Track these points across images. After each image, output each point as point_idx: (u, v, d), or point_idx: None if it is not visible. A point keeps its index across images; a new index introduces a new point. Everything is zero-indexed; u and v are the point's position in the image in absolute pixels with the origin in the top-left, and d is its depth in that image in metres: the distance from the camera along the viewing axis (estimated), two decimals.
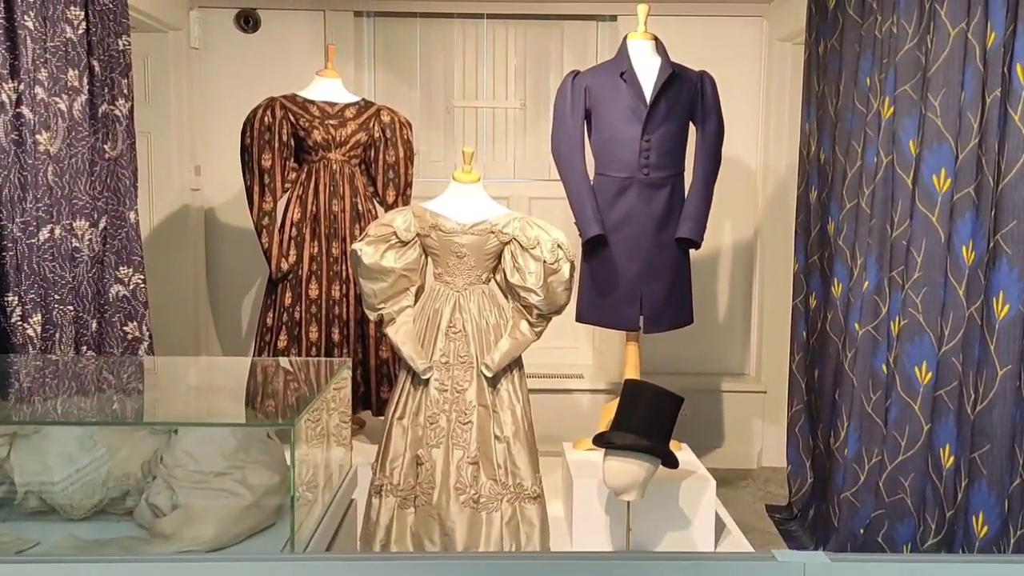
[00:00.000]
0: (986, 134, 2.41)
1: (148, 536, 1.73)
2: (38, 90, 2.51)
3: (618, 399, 2.90)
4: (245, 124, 3.37)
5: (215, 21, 4.16)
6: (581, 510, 2.96)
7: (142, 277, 3.00)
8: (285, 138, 3.38)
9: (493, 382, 2.71)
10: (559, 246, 2.69)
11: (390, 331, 2.75)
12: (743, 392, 4.29)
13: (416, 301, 2.80)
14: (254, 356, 3.47)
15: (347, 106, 3.48)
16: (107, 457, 1.80)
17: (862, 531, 2.97)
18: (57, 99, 2.61)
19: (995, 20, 2.37)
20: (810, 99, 3.53)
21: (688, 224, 3.10)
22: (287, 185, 3.45)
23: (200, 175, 4.20)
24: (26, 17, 2.44)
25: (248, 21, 4.17)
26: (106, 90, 2.87)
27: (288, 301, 3.41)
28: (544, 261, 2.67)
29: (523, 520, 2.66)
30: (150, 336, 3.04)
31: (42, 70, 2.53)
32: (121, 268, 2.95)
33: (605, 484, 2.69)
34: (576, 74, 3.15)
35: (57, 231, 2.62)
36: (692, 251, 3.23)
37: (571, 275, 2.72)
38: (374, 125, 3.51)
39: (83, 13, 2.72)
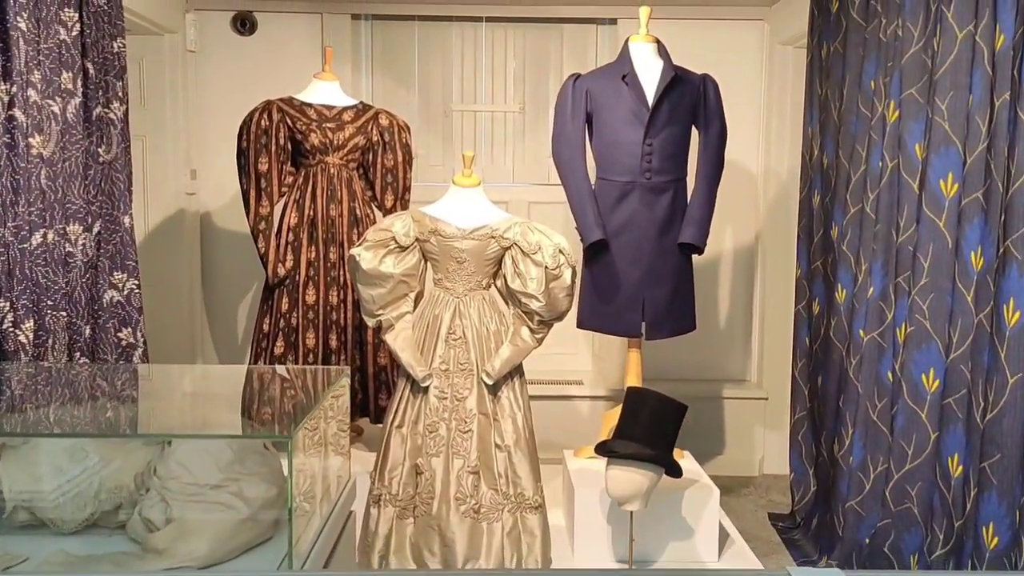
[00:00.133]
0: (995, 138, 2.37)
1: (141, 551, 1.68)
2: (31, 92, 2.46)
3: (619, 406, 2.86)
4: (241, 127, 3.33)
5: (211, 24, 4.12)
6: (583, 520, 2.91)
7: (137, 282, 2.96)
8: (282, 142, 3.34)
9: (494, 390, 2.66)
10: (561, 251, 2.65)
11: (389, 338, 2.71)
12: (744, 399, 4.25)
13: (415, 307, 2.76)
14: (250, 363, 3.42)
15: (345, 109, 3.44)
16: (99, 468, 1.75)
17: (867, 540, 2.92)
18: (51, 102, 2.57)
19: (1004, 22, 2.34)
20: (812, 103, 3.50)
21: (691, 229, 3.06)
22: (284, 189, 3.40)
23: (196, 179, 4.16)
24: (19, 18, 2.40)
25: (244, 24, 4.13)
26: (100, 93, 2.83)
27: (285, 307, 3.36)
28: (546, 267, 2.63)
29: (524, 530, 2.62)
30: (145, 342, 2.99)
31: (35, 72, 2.48)
32: (115, 273, 2.90)
33: (608, 494, 2.64)
34: (577, 77, 3.12)
35: (50, 236, 2.57)
36: (694, 256, 3.19)
37: (573, 281, 2.68)
38: (372, 129, 3.47)
39: (77, 15, 2.68)
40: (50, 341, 2.56)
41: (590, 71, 3.23)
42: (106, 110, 2.86)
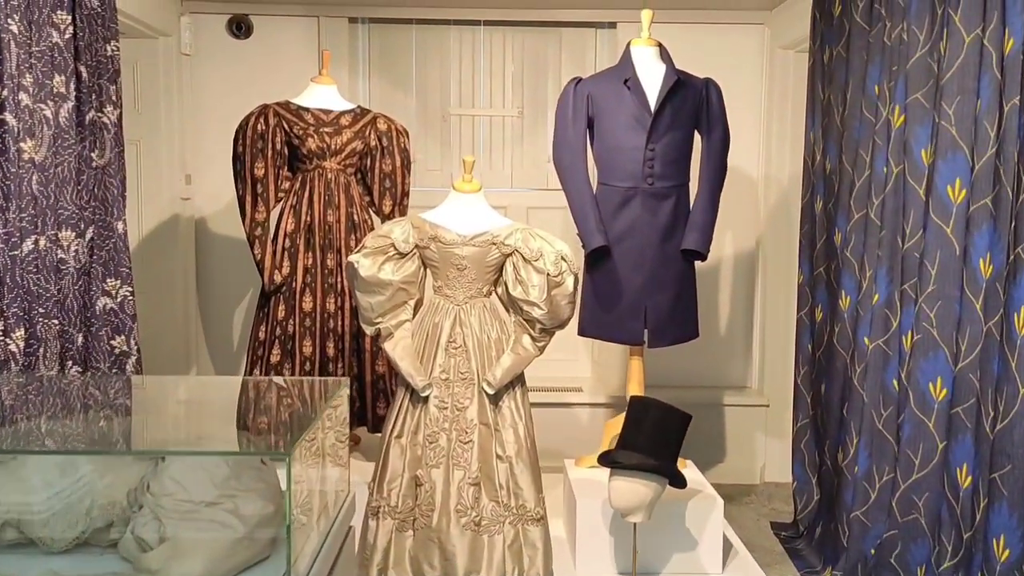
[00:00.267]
0: (1004, 143, 2.34)
1: (133, 572, 1.62)
2: (22, 96, 2.42)
3: (621, 415, 2.82)
4: (237, 132, 3.28)
5: (206, 27, 4.08)
6: (585, 531, 2.87)
7: (130, 289, 2.90)
8: (279, 146, 3.29)
9: (495, 399, 2.62)
10: (563, 258, 2.60)
11: (388, 346, 2.66)
12: (745, 406, 4.21)
13: (415, 315, 2.71)
14: (246, 371, 3.37)
15: (343, 113, 3.39)
16: (90, 484, 1.70)
17: (873, 551, 2.88)
18: (43, 106, 2.52)
19: (1013, 25, 2.30)
20: (815, 108, 3.46)
21: (694, 235, 3.02)
22: (280, 195, 3.35)
23: (191, 184, 4.11)
24: (10, 21, 2.36)
25: (240, 27, 4.09)
26: (94, 97, 2.78)
27: (281, 314, 3.31)
28: (547, 274, 2.58)
29: (526, 543, 2.57)
30: (138, 350, 2.94)
31: (27, 75, 2.44)
32: (108, 280, 2.85)
33: (611, 505, 2.60)
34: (578, 81, 3.08)
35: (42, 242, 2.52)
36: (696, 263, 3.15)
37: (575, 288, 2.63)
38: (370, 133, 3.42)
39: (70, 17, 2.63)
40: (41, 350, 2.51)
41: (591, 75, 3.19)
42: (99, 114, 2.82)
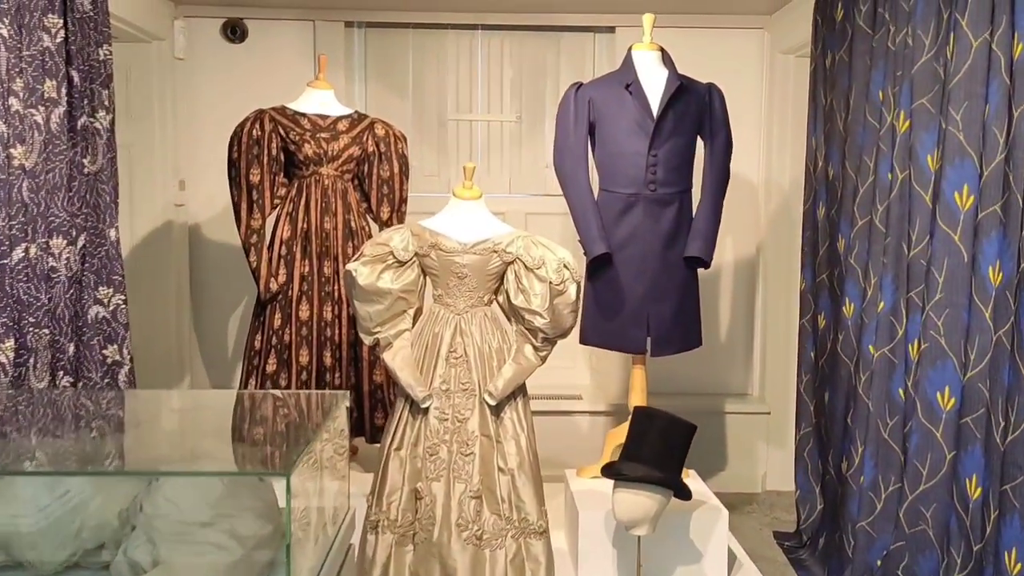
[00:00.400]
0: (1014, 149, 2.30)
1: None
2: (12, 101, 2.37)
3: (623, 424, 2.77)
4: (232, 137, 3.23)
5: (200, 31, 4.03)
6: (587, 544, 2.82)
7: (123, 298, 2.85)
8: (275, 152, 3.24)
9: (496, 410, 2.57)
10: (565, 266, 2.56)
11: (387, 356, 2.61)
12: (746, 413, 4.17)
13: (414, 324, 2.66)
14: (241, 380, 3.31)
15: (340, 119, 3.34)
16: (80, 505, 1.64)
17: (879, 562, 2.84)
18: (33, 111, 2.47)
19: (1022, 29, 2.27)
20: (817, 113, 3.42)
21: (697, 242, 2.98)
22: (276, 201, 3.30)
23: (184, 190, 4.05)
24: (0, 24, 2.30)
25: (235, 31, 4.04)
26: (86, 102, 2.73)
27: (277, 323, 3.25)
28: (550, 282, 2.54)
29: (528, 557, 2.52)
30: (131, 360, 2.88)
31: (17, 80, 2.38)
32: (100, 288, 2.79)
33: (615, 518, 2.55)
34: (579, 86, 3.03)
35: (32, 250, 2.47)
36: (699, 270, 3.11)
37: (578, 296, 2.59)
38: (368, 139, 3.37)
39: (62, 21, 2.58)
40: (32, 360, 2.46)
41: (593, 80, 3.15)
42: (91, 119, 2.76)
